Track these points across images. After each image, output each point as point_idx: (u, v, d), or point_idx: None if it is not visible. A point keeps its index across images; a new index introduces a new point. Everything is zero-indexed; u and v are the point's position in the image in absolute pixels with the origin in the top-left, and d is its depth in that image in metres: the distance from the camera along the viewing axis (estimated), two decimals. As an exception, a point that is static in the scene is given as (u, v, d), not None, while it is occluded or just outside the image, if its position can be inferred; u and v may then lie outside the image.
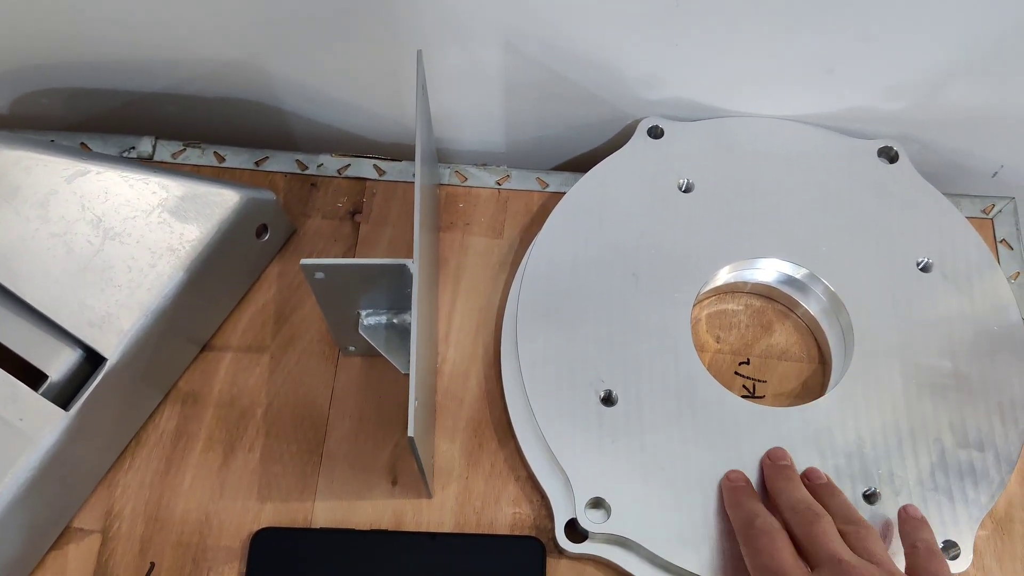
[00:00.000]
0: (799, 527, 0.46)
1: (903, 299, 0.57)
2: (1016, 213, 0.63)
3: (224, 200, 0.56)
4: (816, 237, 0.59)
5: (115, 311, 0.52)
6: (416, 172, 0.49)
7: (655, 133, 0.62)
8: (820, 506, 0.47)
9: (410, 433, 0.43)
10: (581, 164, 0.62)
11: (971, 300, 0.57)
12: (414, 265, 0.47)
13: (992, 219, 0.63)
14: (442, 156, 0.66)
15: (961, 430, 0.54)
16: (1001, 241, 0.62)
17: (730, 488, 0.51)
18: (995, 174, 0.65)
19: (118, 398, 0.53)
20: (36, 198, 0.52)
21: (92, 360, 0.52)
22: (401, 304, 0.52)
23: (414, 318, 0.46)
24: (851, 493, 0.52)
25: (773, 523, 0.46)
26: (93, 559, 0.53)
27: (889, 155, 0.61)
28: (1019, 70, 0.57)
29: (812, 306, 0.58)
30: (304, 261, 0.47)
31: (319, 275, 0.48)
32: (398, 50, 0.58)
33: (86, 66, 0.63)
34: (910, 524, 0.49)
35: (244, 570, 0.52)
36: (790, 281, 0.59)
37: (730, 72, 0.59)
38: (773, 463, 0.51)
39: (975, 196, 0.64)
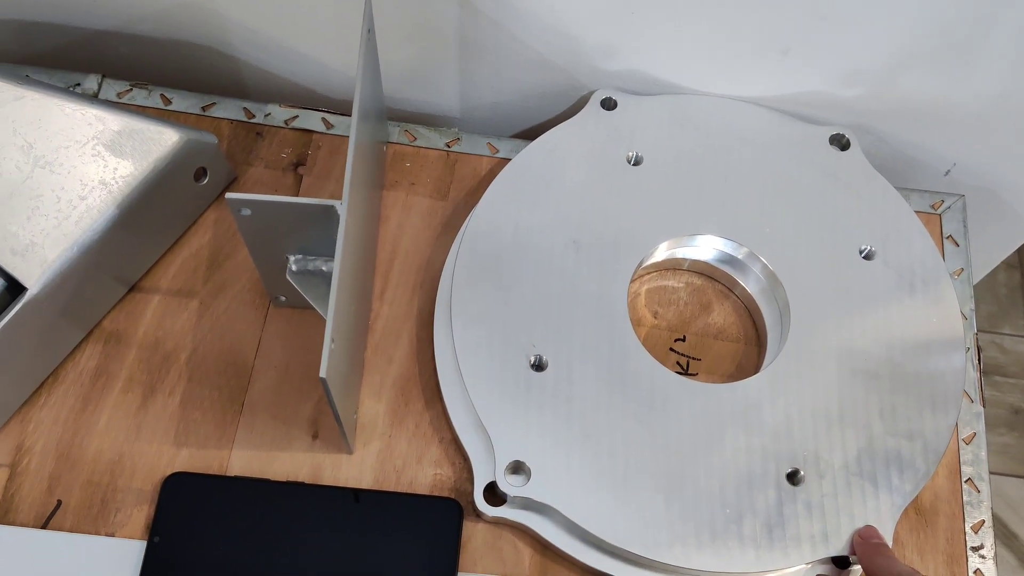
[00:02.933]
0: None
1: (843, 284, 0.56)
2: (964, 210, 0.63)
3: (163, 138, 0.55)
4: (760, 218, 0.58)
5: (40, 241, 0.51)
6: (354, 108, 0.48)
7: (608, 105, 0.61)
8: None
9: (322, 374, 0.42)
10: (535, 135, 0.61)
11: (911, 291, 0.57)
12: (343, 207, 0.46)
13: (940, 215, 0.63)
14: (393, 116, 0.65)
15: (891, 418, 0.53)
16: (948, 237, 0.62)
17: (866, 545, 0.49)
18: (947, 172, 0.65)
19: (37, 331, 0.52)
20: (-35, 119, 0.51)
21: (12, 289, 0.51)
22: (331, 250, 0.50)
23: (337, 260, 0.45)
24: (775, 473, 0.51)
25: None
26: (-1, 493, 0.51)
27: (841, 142, 0.61)
28: (973, 64, 0.56)
29: (751, 285, 0.58)
30: (230, 195, 0.45)
31: (245, 211, 0.47)
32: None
33: (35, -3, 0.62)
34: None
35: (153, 514, 0.51)
36: (730, 260, 0.58)
37: (686, 46, 0.58)
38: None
39: (924, 191, 0.64)
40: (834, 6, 0.53)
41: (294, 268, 0.51)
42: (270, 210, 0.47)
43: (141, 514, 0.51)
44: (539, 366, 0.53)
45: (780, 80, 0.60)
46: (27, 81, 0.55)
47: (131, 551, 0.50)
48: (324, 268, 0.51)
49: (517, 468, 0.51)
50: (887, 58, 0.57)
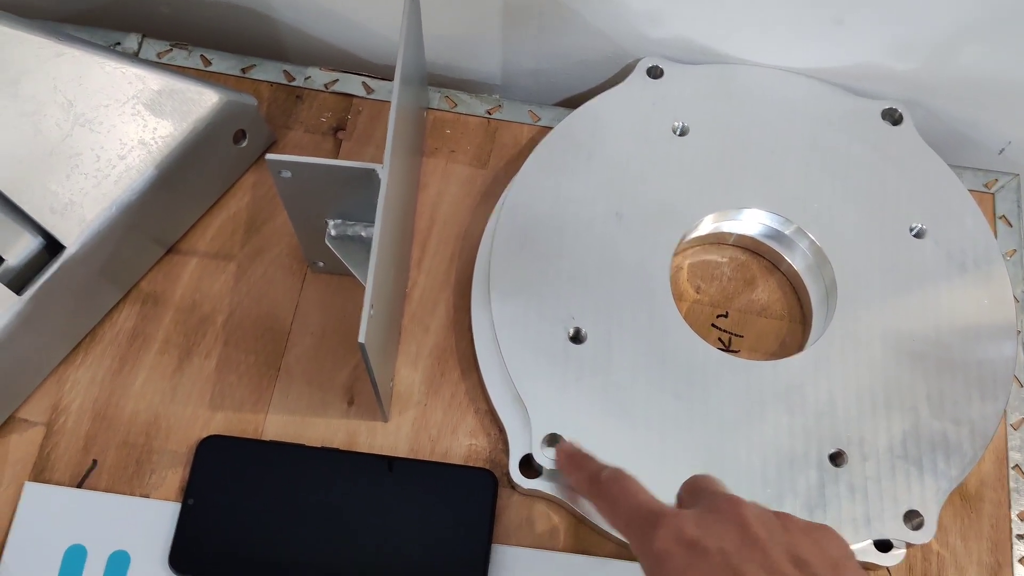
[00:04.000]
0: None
1: (892, 263, 0.55)
2: (1019, 190, 0.61)
3: (202, 99, 0.54)
4: (808, 192, 0.57)
5: (79, 200, 0.51)
6: (397, 71, 0.47)
7: (655, 73, 0.60)
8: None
9: (361, 339, 0.41)
10: (578, 103, 0.59)
11: (963, 271, 0.55)
12: (383, 171, 0.45)
13: (994, 194, 0.61)
14: (435, 82, 0.64)
15: (938, 401, 0.52)
16: (1001, 217, 0.60)
17: (566, 454, 0.48)
18: (1002, 151, 0.63)
19: (75, 290, 0.52)
20: (8, 75, 0.50)
21: (51, 248, 0.51)
22: (371, 216, 0.49)
23: (377, 225, 0.44)
24: (817, 453, 0.50)
25: (619, 470, 0.43)
26: (35, 451, 0.51)
27: (893, 117, 0.59)
28: (1036, 37, 0.54)
29: (797, 262, 0.56)
30: (270, 156, 0.45)
31: (285, 173, 0.46)
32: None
33: (77, -46, 0.61)
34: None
35: (187, 476, 0.51)
36: (777, 235, 0.57)
37: (736, 14, 0.57)
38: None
39: (978, 169, 0.62)
40: (893, -26, 0.52)
41: (333, 233, 0.51)
42: (310, 172, 0.46)
43: (176, 476, 0.51)
44: (577, 338, 0.53)
45: (832, 51, 0.58)
46: (68, 38, 0.54)
47: (165, 512, 0.50)
48: (364, 234, 0.51)
49: (553, 441, 0.50)
50: (945, 31, 0.55)
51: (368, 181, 0.46)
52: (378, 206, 0.44)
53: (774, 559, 0.35)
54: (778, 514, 0.38)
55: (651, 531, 0.38)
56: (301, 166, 0.45)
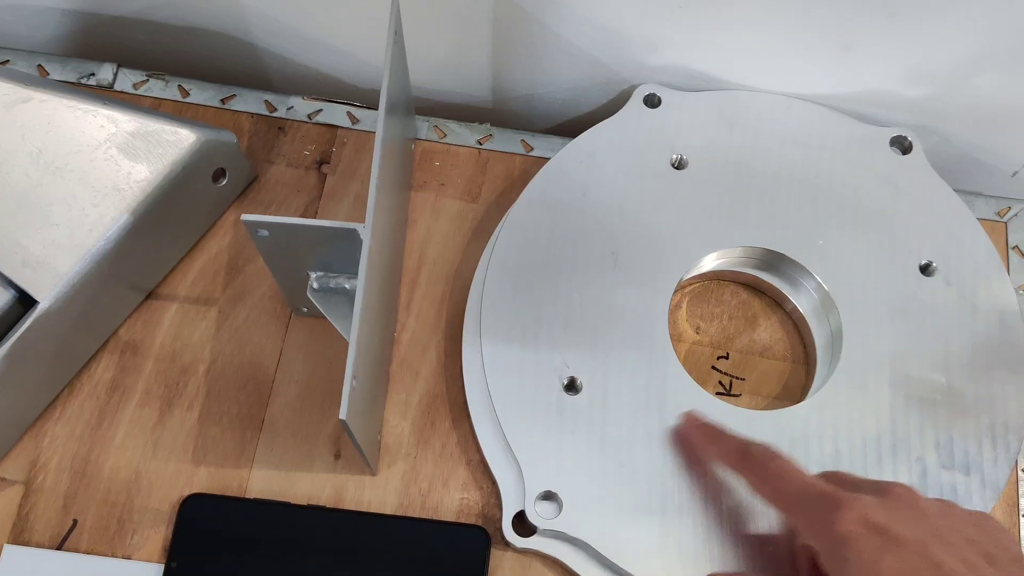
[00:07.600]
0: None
1: (900, 303, 0.53)
2: (1034, 218, 0.59)
3: (179, 140, 0.52)
4: (813, 228, 0.54)
5: (51, 252, 0.49)
6: (379, 124, 0.44)
7: (652, 102, 0.57)
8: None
9: (342, 416, 0.39)
10: (572, 129, 0.57)
11: (974, 310, 0.53)
12: (366, 230, 0.43)
13: (1006, 223, 0.58)
14: (422, 108, 0.61)
15: (947, 450, 0.50)
16: (1014, 248, 0.58)
17: (698, 426, 0.47)
18: (1015, 173, 0.60)
19: (50, 344, 0.50)
20: (-29, 124, 0.48)
21: (24, 302, 0.49)
22: (354, 268, 0.47)
23: (360, 288, 0.42)
24: (822, 509, 0.48)
25: (767, 446, 0.43)
26: (14, 511, 0.50)
27: (902, 145, 0.56)
28: (1053, 64, 0.52)
29: (802, 303, 0.54)
30: (245, 217, 0.43)
31: (263, 232, 0.44)
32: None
33: (47, -18, 0.58)
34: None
35: (170, 535, 0.49)
36: (781, 274, 0.55)
37: (738, 40, 0.54)
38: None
39: (990, 196, 0.59)
40: (905, 3, 0.49)
41: (316, 286, 0.49)
42: (289, 232, 0.44)
43: (158, 536, 0.50)
44: (572, 387, 0.51)
45: (839, 77, 0.55)
46: (35, 80, 0.52)
47: (149, 575, 0.49)
48: (347, 286, 0.49)
49: (548, 497, 0.48)
50: (960, 59, 0.52)
51: (350, 237, 0.44)
52: (360, 271, 0.42)
53: (966, 554, 0.36)
54: (941, 502, 0.40)
55: (831, 513, 0.38)
56: (279, 227, 0.43)
